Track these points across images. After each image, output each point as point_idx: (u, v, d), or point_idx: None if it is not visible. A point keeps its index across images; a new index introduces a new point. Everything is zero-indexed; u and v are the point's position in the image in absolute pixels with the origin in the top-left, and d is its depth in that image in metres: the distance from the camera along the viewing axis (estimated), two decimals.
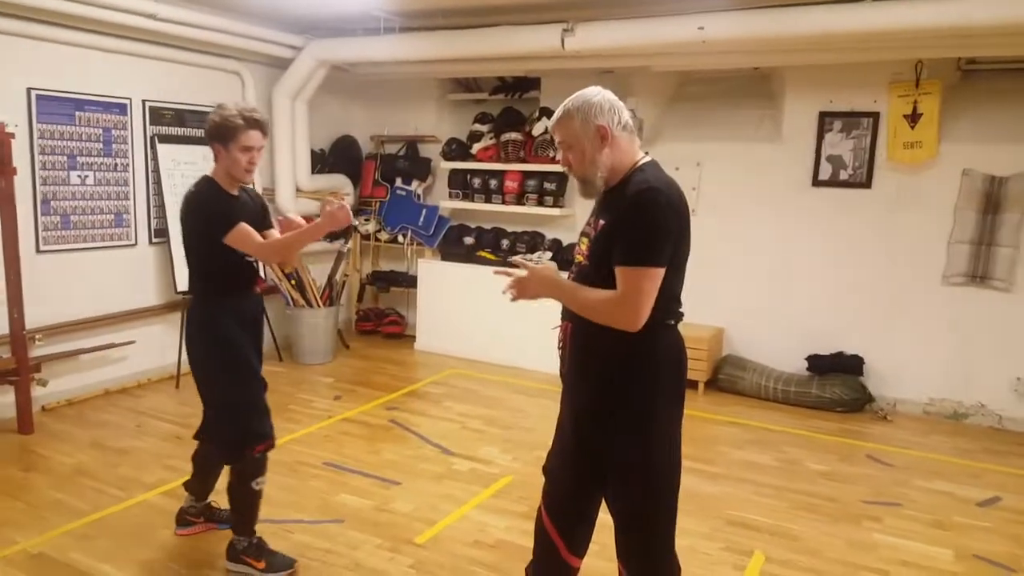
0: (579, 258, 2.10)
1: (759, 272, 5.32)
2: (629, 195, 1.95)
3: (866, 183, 4.91)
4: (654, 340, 1.98)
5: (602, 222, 2.00)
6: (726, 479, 3.77)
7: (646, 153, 2.07)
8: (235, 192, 2.72)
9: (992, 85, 4.62)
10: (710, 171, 5.42)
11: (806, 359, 5.10)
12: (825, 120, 4.98)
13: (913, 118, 4.67)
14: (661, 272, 1.91)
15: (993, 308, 4.65)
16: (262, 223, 2.81)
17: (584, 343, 2.05)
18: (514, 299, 2.09)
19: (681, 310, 2.07)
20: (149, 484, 3.51)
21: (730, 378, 5.18)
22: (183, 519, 3.07)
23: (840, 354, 5.02)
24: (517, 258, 2.14)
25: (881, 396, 4.96)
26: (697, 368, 5.15)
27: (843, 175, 4.97)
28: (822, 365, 5.03)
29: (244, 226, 2.59)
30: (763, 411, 4.87)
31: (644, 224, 1.91)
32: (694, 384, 5.21)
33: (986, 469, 4.00)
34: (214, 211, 2.61)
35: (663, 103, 5.54)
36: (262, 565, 2.75)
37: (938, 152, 4.65)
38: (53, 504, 3.29)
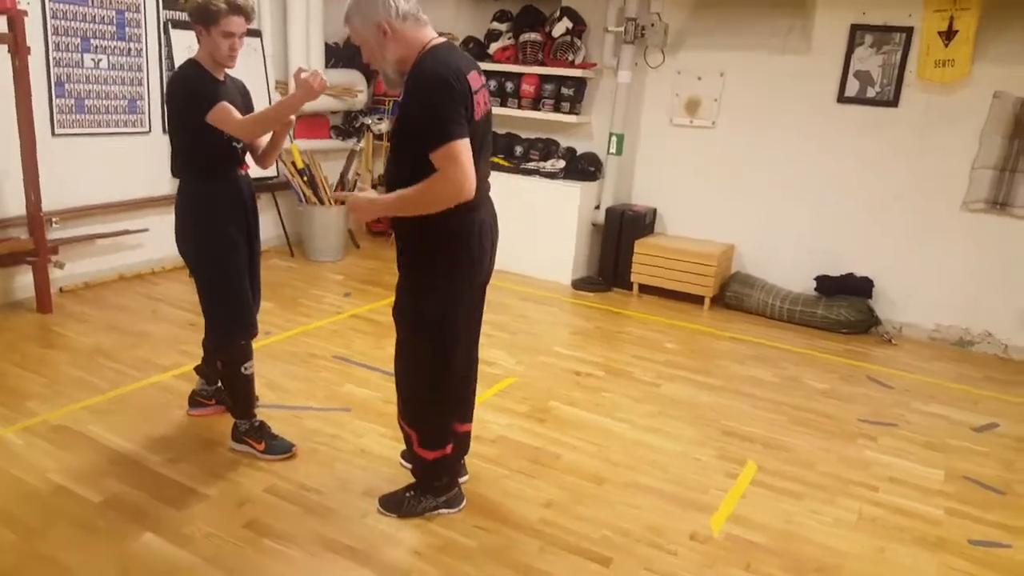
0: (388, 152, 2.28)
1: (775, 188, 5.26)
2: (409, 82, 2.11)
3: (893, 102, 4.77)
4: (450, 216, 2.14)
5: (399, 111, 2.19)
6: (724, 391, 3.84)
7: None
8: (220, 77, 2.69)
9: None
10: (733, 81, 5.27)
11: (815, 279, 5.10)
12: (856, 33, 4.79)
13: (948, 35, 4.48)
14: (466, 141, 2.04)
15: (1010, 237, 4.60)
16: (246, 112, 2.77)
17: (398, 220, 2.28)
18: (358, 220, 2.31)
19: (480, 191, 2.21)
20: (164, 366, 3.64)
21: (737, 295, 5.20)
22: (195, 400, 3.20)
23: (850, 275, 5.01)
24: (340, 194, 2.33)
25: (888, 320, 4.98)
26: (703, 284, 5.18)
27: (870, 92, 4.83)
28: (830, 286, 5.03)
29: (225, 104, 2.57)
30: (768, 329, 4.92)
31: (429, 108, 2.04)
32: (699, 300, 5.25)
33: (987, 396, 4.04)
34: (196, 91, 2.59)
35: (690, 8, 5.33)
36: (262, 447, 2.87)
37: (970, 72, 4.48)
38: (73, 381, 3.43)
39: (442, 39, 2.19)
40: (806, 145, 5.09)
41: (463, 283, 2.32)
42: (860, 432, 3.49)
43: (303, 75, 2.46)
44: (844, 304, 4.90)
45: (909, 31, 4.64)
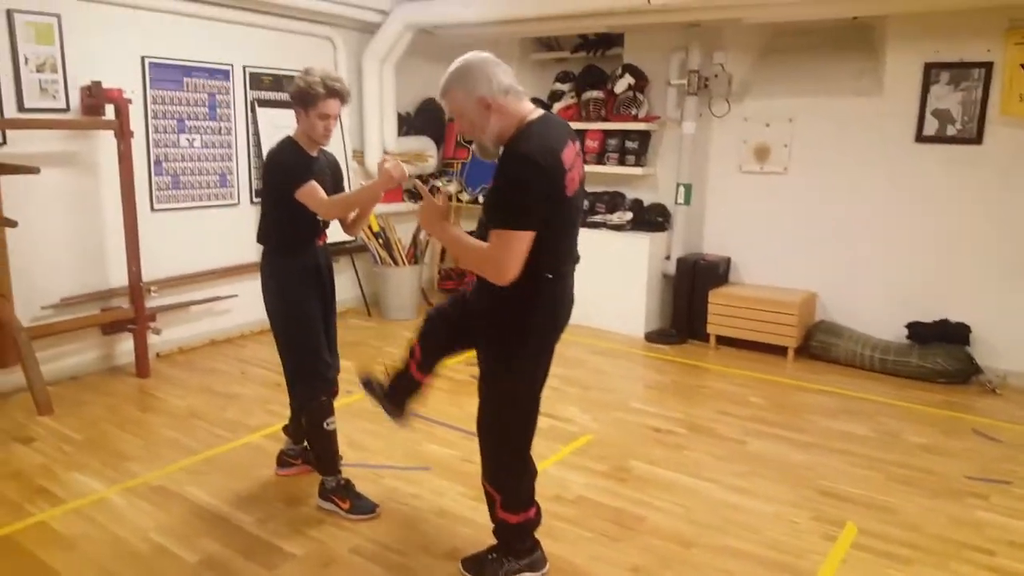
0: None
1: (856, 234, 5.10)
2: (502, 159, 2.10)
3: (976, 139, 4.60)
4: (533, 290, 2.19)
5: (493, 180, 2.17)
6: (816, 448, 3.65)
7: (541, 106, 2.21)
8: (314, 153, 2.85)
9: None
10: (804, 127, 5.20)
11: (906, 327, 4.84)
12: (931, 72, 4.68)
13: None
14: (527, 235, 2.06)
15: None
16: (334, 186, 2.94)
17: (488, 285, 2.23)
18: (422, 219, 2.30)
19: (566, 266, 2.28)
20: (252, 427, 3.78)
21: (823, 345, 4.99)
22: (283, 460, 3.30)
23: (944, 322, 4.74)
24: (419, 184, 2.33)
25: (990, 368, 4.65)
26: (785, 334, 5.02)
27: (951, 130, 4.67)
28: (924, 333, 4.75)
29: (314, 184, 2.72)
30: (858, 380, 4.69)
31: (510, 189, 2.06)
32: (782, 351, 5.09)
33: None
34: (289, 168, 2.75)
35: (754, 57, 5.34)
36: (347, 505, 2.93)
37: None
38: (169, 442, 3.59)
39: (540, 112, 2.20)
40: (885, 187, 4.95)
41: (544, 348, 2.34)
42: (969, 490, 3.24)
43: (386, 165, 2.60)
44: (940, 352, 4.63)
45: (989, 66, 4.50)
